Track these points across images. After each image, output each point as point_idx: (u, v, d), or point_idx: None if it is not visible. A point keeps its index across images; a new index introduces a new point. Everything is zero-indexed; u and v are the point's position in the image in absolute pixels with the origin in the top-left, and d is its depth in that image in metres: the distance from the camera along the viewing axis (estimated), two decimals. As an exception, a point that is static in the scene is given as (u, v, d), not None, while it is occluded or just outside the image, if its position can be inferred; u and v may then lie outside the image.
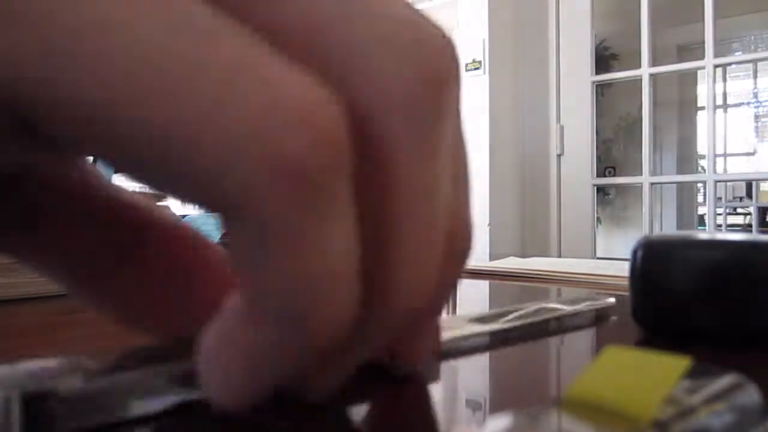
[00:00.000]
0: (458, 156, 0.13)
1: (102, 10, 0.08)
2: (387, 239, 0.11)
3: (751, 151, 4.58)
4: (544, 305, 0.28)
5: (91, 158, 0.17)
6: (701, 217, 3.97)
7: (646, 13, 1.96)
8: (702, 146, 3.71)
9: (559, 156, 2.11)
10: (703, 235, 0.26)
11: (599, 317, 0.30)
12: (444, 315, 0.19)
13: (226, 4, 0.09)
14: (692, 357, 0.12)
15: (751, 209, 4.42)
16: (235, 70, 0.09)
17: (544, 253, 2.04)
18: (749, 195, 4.47)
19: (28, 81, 0.08)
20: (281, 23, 0.10)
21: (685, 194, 3.90)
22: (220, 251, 0.15)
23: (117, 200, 0.14)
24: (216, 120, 0.08)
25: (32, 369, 0.13)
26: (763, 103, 4.56)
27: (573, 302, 0.29)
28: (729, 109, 4.52)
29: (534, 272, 0.51)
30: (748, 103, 4.57)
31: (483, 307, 0.40)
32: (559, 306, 0.28)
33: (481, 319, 0.25)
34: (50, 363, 0.13)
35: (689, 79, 3.74)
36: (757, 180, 4.20)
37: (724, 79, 4.28)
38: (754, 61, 3.52)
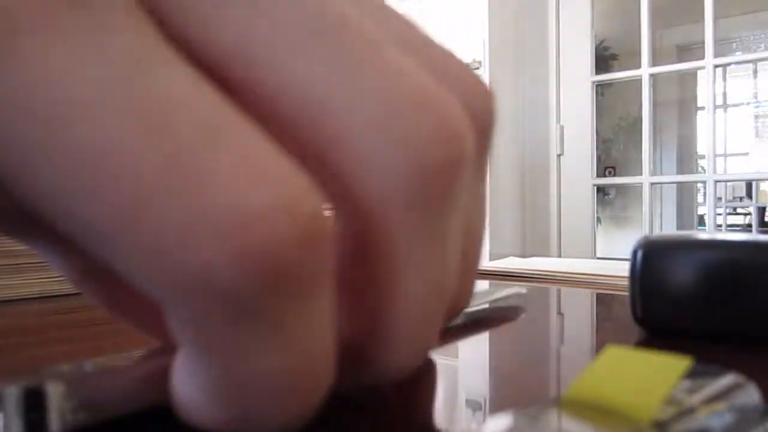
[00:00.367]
0: (472, 228, 0.13)
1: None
2: (386, 331, 0.11)
3: (751, 151, 4.58)
4: None
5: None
6: (701, 217, 3.97)
7: (646, 13, 1.96)
8: (702, 146, 3.71)
9: (559, 156, 2.11)
10: (703, 235, 0.26)
11: (507, 312, 0.30)
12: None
13: (211, 72, 0.09)
14: (692, 357, 0.12)
15: (751, 209, 4.43)
16: (217, 149, 0.08)
17: (544, 253, 2.04)
18: (749, 195, 4.48)
19: None
20: (271, 98, 0.09)
21: (685, 194, 3.90)
22: None
23: None
24: (196, 204, 0.08)
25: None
26: (763, 103, 4.56)
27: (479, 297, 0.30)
28: (729, 109, 4.52)
29: (534, 272, 0.51)
30: (748, 103, 4.56)
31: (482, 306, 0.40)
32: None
33: None
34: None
35: (689, 79, 3.74)
36: (757, 180, 4.20)
37: (724, 79, 4.27)
38: (754, 61, 3.52)
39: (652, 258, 0.25)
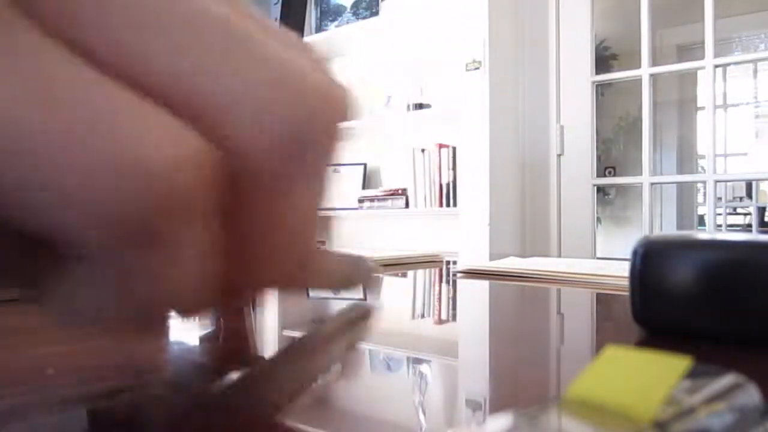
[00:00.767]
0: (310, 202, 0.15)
1: None
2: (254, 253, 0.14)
3: (751, 151, 4.58)
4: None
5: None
6: (701, 217, 3.97)
7: (646, 13, 1.96)
8: (702, 146, 3.72)
9: (559, 156, 2.11)
10: (703, 235, 0.26)
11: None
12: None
13: (96, 59, 0.11)
14: (692, 357, 0.12)
15: (751, 209, 4.43)
16: (105, 113, 0.10)
17: (544, 253, 2.04)
18: (749, 195, 4.48)
19: None
20: (156, 75, 0.12)
21: (685, 194, 3.90)
22: None
23: None
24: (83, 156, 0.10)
25: None
26: (763, 103, 4.56)
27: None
28: (729, 109, 4.52)
29: (534, 272, 0.51)
30: (748, 103, 4.57)
31: (483, 306, 0.40)
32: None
33: None
34: None
35: (689, 79, 3.74)
36: (757, 180, 4.20)
37: (724, 79, 4.28)
38: (754, 61, 3.52)
39: (652, 258, 0.25)
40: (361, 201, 2.48)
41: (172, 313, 0.13)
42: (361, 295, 0.35)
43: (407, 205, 2.37)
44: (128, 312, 0.13)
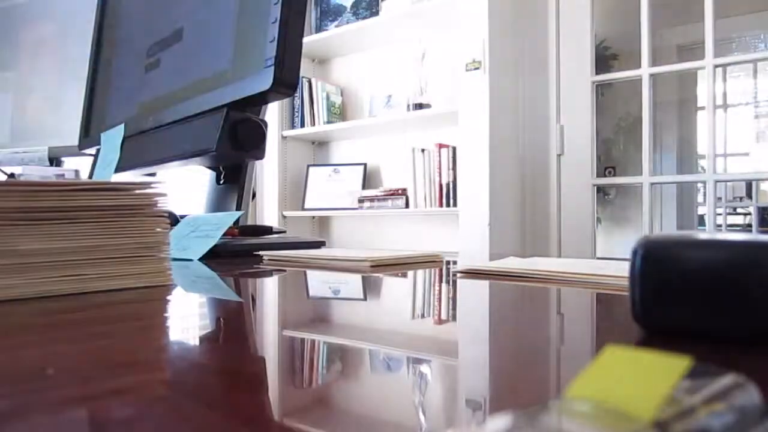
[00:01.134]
0: None
1: None
2: None
3: (751, 151, 4.58)
4: None
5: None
6: (701, 217, 3.97)
7: (646, 13, 1.96)
8: (702, 146, 3.71)
9: (559, 156, 2.11)
10: (703, 235, 0.26)
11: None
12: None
13: None
14: (692, 357, 0.12)
15: (751, 209, 4.43)
16: None
17: (544, 253, 2.04)
18: (749, 195, 4.48)
19: None
20: None
21: (685, 194, 3.90)
22: None
23: None
24: None
25: None
26: (763, 103, 4.56)
27: None
28: (729, 109, 4.52)
29: (534, 272, 0.51)
30: (748, 103, 4.56)
31: (483, 306, 0.40)
32: None
33: None
34: None
35: (689, 79, 3.74)
36: (757, 180, 4.20)
37: (724, 79, 4.28)
38: (754, 61, 3.52)
39: (652, 258, 0.25)
40: (361, 201, 2.48)
41: None
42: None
43: (407, 205, 2.37)
44: None
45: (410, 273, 0.59)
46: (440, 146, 2.28)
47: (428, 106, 2.33)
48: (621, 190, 3.66)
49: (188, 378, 0.21)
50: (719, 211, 4.24)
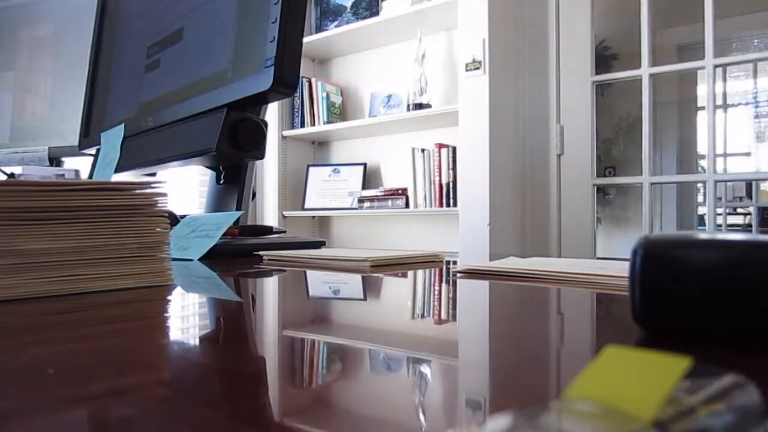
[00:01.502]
0: None
1: None
2: None
3: (752, 151, 4.58)
4: None
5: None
6: (701, 217, 3.97)
7: (646, 13, 1.96)
8: (702, 146, 3.71)
9: (559, 156, 2.11)
10: (703, 235, 0.26)
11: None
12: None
13: None
14: (692, 357, 0.12)
15: (751, 209, 4.43)
16: None
17: (544, 253, 2.04)
18: (749, 195, 4.48)
19: None
20: None
21: (685, 194, 3.90)
22: None
23: None
24: None
25: None
26: (763, 103, 4.56)
27: None
28: (729, 109, 4.52)
29: (534, 272, 0.51)
30: (748, 103, 4.56)
31: (483, 306, 0.40)
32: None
33: None
34: None
35: (689, 79, 3.74)
36: (757, 180, 4.20)
37: (724, 79, 4.28)
38: (754, 61, 3.52)
39: (652, 258, 0.25)
40: (361, 201, 2.48)
41: None
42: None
43: (407, 205, 2.37)
44: None
45: (410, 273, 0.59)
46: (440, 146, 2.28)
47: (428, 106, 2.33)
48: (621, 190, 3.66)
49: (188, 378, 0.21)
50: (719, 211, 4.24)
